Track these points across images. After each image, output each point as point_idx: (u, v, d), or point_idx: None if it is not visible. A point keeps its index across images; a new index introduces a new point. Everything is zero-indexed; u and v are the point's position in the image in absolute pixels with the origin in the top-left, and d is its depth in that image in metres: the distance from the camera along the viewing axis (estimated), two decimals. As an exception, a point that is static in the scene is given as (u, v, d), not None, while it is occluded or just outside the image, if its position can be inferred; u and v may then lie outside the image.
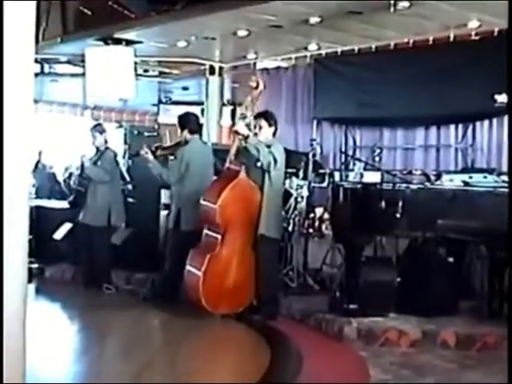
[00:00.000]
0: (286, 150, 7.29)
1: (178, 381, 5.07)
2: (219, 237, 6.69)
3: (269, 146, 6.69)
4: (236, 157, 6.84)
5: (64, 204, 9.68)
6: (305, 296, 7.59)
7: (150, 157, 7.47)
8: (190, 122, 7.55)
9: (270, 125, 6.89)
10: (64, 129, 16.78)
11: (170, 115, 15.61)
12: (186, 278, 6.82)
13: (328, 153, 11.24)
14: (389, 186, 6.44)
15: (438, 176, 7.79)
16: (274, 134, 6.98)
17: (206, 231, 6.88)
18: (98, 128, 8.61)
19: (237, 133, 6.76)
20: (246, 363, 5.75)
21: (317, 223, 8.65)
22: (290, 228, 8.11)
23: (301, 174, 8.33)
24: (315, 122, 11.71)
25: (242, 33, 10.00)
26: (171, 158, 7.48)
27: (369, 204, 6.36)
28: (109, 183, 8.26)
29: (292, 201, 8.12)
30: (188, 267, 6.81)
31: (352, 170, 7.00)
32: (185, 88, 15.51)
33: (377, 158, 8.72)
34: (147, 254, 8.52)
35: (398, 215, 6.26)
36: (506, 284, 6.60)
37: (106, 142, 8.50)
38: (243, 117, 6.82)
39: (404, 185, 6.51)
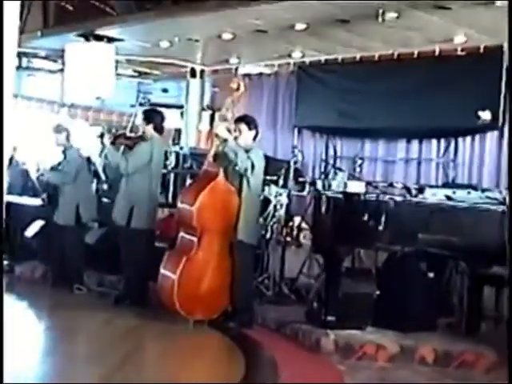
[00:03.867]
0: (267, 157, 7.18)
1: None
2: (195, 240, 6.53)
3: (248, 151, 6.59)
4: (214, 159, 6.70)
5: (37, 201, 9.44)
6: (280, 305, 7.47)
7: (107, 142, 7.32)
8: (156, 119, 7.46)
9: (249, 128, 6.76)
10: (40, 125, 16.51)
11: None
12: (160, 281, 6.65)
13: (308, 162, 11.10)
14: (372, 198, 6.31)
15: (420, 190, 7.69)
16: (255, 139, 6.85)
17: (182, 234, 6.72)
18: (57, 128, 8.42)
19: (217, 136, 6.65)
20: (220, 372, 5.59)
21: (295, 232, 8.50)
22: (268, 235, 8.00)
23: (281, 181, 8.22)
24: (296, 130, 11.63)
25: (226, 36, 9.86)
26: (131, 149, 7.32)
27: (351, 215, 6.25)
28: (75, 182, 8.11)
29: (271, 208, 8.01)
30: (162, 270, 6.64)
31: (334, 179, 6.88)
32: (164, 90, 15.27)
33: (358, 169, 8.64)
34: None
35: (380, 227, 6.16)
36: (484, 301, 6.56)
37: (67, 140, 8.30)
38: (224, 118, 6.72)
39: (388, 197, 6.38)
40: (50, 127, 9.16)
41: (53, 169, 8.29)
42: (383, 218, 6.14)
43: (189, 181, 10.17)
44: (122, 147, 7.46)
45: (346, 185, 6.57)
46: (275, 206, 8.03)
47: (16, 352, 5.50)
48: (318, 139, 11.51)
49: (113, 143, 7.35)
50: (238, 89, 6.69)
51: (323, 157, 10.95)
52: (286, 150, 10.75)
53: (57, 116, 16.14)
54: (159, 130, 7.44)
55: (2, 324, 3.04)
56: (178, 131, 13.66)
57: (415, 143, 10.52)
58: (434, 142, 10.34)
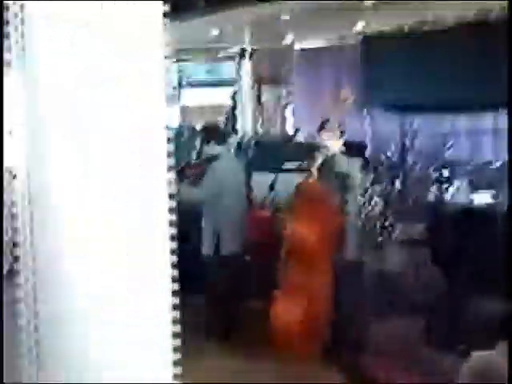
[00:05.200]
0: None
1: None
2: (309, 276, 5.81)
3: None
4: (319, 174, 5.93)
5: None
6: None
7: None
8: (214, 133, 6.89)
9: (341, 136, 6.21)
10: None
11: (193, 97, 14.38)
12: (276, 324, 5.88)
13: (379, 142, 10.06)
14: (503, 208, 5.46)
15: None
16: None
17: (293, 270, 5.91)
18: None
19: (323, 148, 6.04)
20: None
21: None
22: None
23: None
24: (365, 109, 10.46)
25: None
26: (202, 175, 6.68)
27: (478, 229, 5.41)
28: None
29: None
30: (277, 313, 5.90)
31: (449, 186, 5.99)
32: (208, 72, 14.42)
33: (447, 152, 7.92)
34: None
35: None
36: None
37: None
38: (330, 130, 6.12)
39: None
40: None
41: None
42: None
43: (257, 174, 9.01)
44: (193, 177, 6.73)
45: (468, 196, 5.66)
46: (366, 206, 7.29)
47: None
48: (390, 117, 10.32)
49: (181, 180, 6.62)
50: (346, 100, 6.11)
51: (398, 136, 9.74)
52: (355, 132, 9.73)
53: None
54: (222, 141, 6.84)
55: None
56: (232, 110, 12.78)
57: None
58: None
